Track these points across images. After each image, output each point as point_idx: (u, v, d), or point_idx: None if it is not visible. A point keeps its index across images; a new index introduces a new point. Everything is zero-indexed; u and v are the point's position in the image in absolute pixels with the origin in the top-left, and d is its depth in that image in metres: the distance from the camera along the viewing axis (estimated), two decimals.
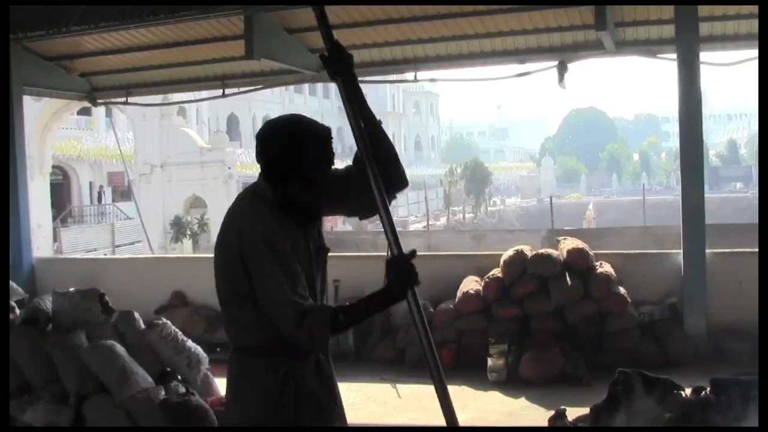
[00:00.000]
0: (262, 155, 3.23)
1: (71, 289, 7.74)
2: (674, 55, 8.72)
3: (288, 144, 3.17)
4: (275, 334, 3.14)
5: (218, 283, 3.26)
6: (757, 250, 9.42)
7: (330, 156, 3.27)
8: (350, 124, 3.32)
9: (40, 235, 13.94)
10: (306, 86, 66.68)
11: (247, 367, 3.23)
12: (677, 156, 9.62)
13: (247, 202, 3.25)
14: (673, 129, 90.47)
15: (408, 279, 3.10)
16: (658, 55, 9.45)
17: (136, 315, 7.71)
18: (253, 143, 3.39)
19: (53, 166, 21.95)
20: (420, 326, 3.19)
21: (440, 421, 3.32)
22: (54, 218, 21.89)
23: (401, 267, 3.10)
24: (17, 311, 7.83)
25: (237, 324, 3.24)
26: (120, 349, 6.92)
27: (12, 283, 8.77)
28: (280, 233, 3.13)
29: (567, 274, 8.82)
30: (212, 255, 3.33)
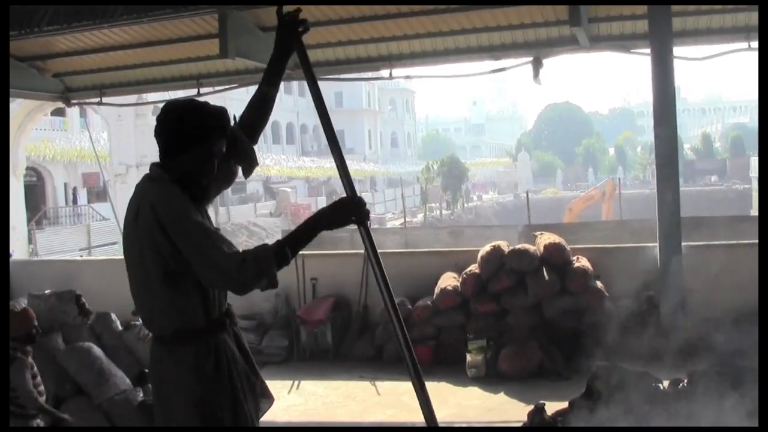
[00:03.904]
0: (160, 131, 3.33)
1: (47, 291, 7.71)
2: (648, 50, 8.78)
3: (184, 114, 3.30)
4: (204, 311, 3.27)
5: (137, 273, 3.29)
6: (731, 242, 9.56)
7: (225, 128, 3.35)
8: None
9: (14, 238, 13.79)
10: (281, 84, 66.37)
11: (182, 355, 3.28)
12: (652, 150, 9.67)
13: (149, 185, 3.28)
14: (647, 123, 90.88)
15: (361, 216, 3.29)
16: (632, 50, 9.50)
17: (113, 316, 7.68)
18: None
19: (27, 168, 21.74)
20: (384, 287, 3.36)
21: (420, 418, 3.32)
22: (29, 220, 21.66)
23: (358, 206, 3.27)
24: None
25: (169, 306, 3.26)
26: (97, 350, 6.89)
27: None
28: (189, 203, 3.21)
29: (544, 268, 8.86)
30: None
